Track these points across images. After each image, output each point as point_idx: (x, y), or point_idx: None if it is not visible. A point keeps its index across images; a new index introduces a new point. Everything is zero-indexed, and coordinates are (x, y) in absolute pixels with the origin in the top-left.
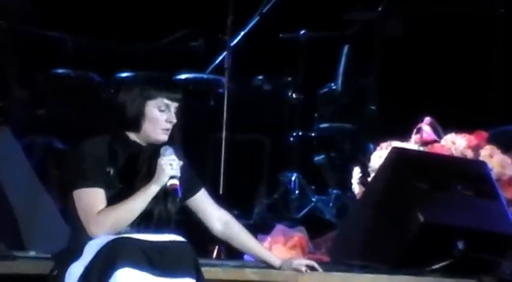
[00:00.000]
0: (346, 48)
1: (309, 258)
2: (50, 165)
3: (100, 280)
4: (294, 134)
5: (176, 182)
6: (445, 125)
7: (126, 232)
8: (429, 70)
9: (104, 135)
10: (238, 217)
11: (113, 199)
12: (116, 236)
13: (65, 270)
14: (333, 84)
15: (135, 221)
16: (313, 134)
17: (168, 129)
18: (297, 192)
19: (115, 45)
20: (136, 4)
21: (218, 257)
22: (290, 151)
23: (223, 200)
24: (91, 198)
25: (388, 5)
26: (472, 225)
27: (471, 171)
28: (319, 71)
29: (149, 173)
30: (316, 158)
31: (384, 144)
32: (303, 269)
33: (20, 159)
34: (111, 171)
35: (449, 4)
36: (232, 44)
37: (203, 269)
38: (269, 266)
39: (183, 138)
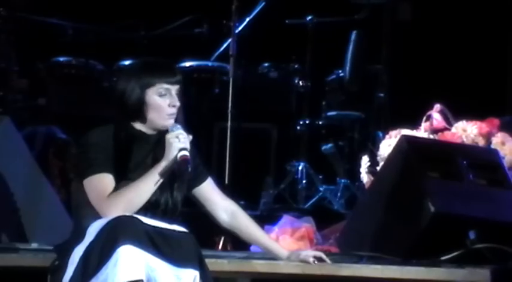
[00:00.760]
0: (354, 34)
1: (317, 250)
2: (51, 155)
3: (101, 257)
4: (301, 122)
5: (186, 153)
6: (455, 112)
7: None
8: (439, 56)
9: (108, 125)
10: (244, 208)
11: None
12: (120, 215)
13: (68, 258)
14: (340, 71)
15: (141, 209)
16: (320, 123)
17: (173, 114)
18: (304, 181)
19: (117, 32)
20: None
21: (224, 248)
22: (297, 140)
23: (228, 190)
24: (101, 183)
25: None
26: (484, 215)
27: (483, 160)
28: (327, 58)
29: (156, 159)
30: (324, 147)
31: (393, 133)
32: (311, 260)
33: (21, 149)
34: (117, 161)
35: None
36: (237, 31)
37: (208, 260)
38: (276, 257)
39: (187, 127)
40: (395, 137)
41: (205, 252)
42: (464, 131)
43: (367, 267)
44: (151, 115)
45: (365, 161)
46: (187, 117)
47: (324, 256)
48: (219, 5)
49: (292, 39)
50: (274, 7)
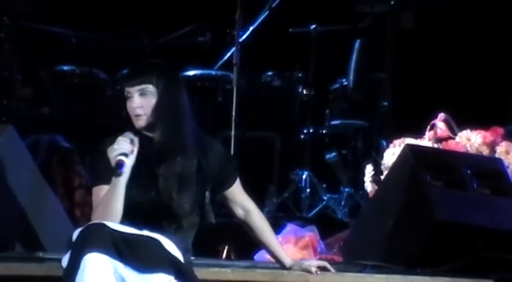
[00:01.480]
0: (358, 43)
1: (321, 259)
2: (55, 163)
3: (73, 266)
4: (305, 130)
5: (122, 158)
6: (459, 121)
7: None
8: (443, 65)
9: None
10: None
11: (128, 195)
12: (89, 223)
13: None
14: (344, 80)
15: (125, 214)
16: (324, 131)
17: (138, 115)
18: (308, 190)
19: (120, 41)
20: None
21: (227, 257)
22: (301, 148)
23: None
24: (95, 197)
25: None
26: (488, 224)
27: (487, 169)
28: (330, 66)
29: (144, 164)
30: (327, 156)
31: (397, 141)
32: (313, 270)
33: (25, 158)
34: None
35: None
36: (241, 39)
37: (212, 269)
38: (279, 264)
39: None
40: (399, 145)
41: (209, 261)
42: (469, 140)
43: (371, 277)
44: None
45: (369, 169)
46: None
47: (327, 265)
48: (222, 13)
49: (295, 47)
50: (277, 16)
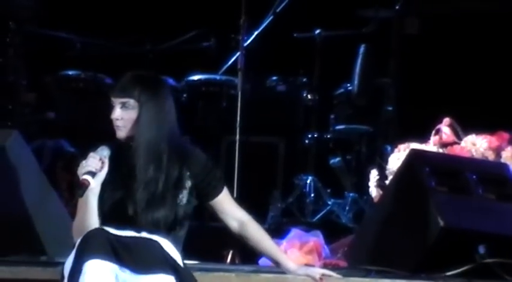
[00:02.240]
0: (362, 47)
1: (325, 264)
2: (60, 168)
3: (74, 273)
4: (309, 135)
5: (87, 177)
6: (464, 126)
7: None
8: (448, 70)
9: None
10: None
11: (106, 202)
12: (92, 228)
13: (62, 272)
14: (349, 85)
15: (110, 220)
16: (328, 136)
17: (118, 126)
18: (312, 195)
19: (124, 46)
20: (147, 4)
21: (232, 262)
22: (305, 153)
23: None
24: (77, 210)
25: (406, 3)
26: (493, 230)
27: (492, 174)
28: (335, 71)
29: (124, 173)
30: (332, 161)
31: (401, 146)
32: (317, 277)
33: (31, 162)
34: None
35: (469, 2)
36: (245, 44)
37: (217, 274)
38: (283, 269)
39: (195, 140)
40: (404, 150)
41: (213, 265)
42: (474, 145)
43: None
44: None
45: (374, 174)
46: (195, 130)
47: (332, 274)
48: (226, 18)
49: (300, 52)
50: (282, 21)
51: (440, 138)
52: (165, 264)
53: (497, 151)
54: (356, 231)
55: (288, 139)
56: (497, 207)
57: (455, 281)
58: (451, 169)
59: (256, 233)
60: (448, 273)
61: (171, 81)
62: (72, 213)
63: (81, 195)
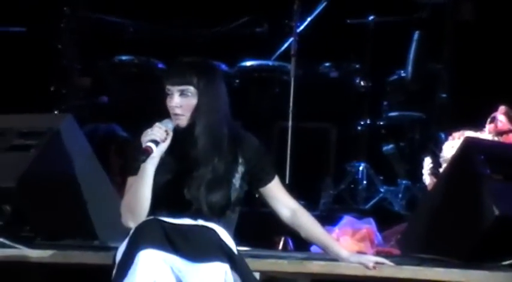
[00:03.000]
0: (416, 34)
1: (378, 251)
2: (112, 152)
3: (126, 262)
4: (362, 122)
5: (151, 145)
6: None
7: (160, 216)
8: (503, 57)
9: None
10: (304, 208)
11: (159, 185)
12: (145, 219)
13: (114, 258)
14: (402, 71)
15: (163, 205)
16: (381, 123)
17: (177, 114)
18: (364, 182)
19: (178, 31)
20: None
21: (284, 248)
22: (357, 140)
23: (289, 190)
24: (128, 186)
25: None
26: None
27: None
28: (388, 58)
29: (179, 159)
30: (384, 148)
31: (456, 134)
32: (371, 265)
33: (84, 146)
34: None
35: None
36: (298, 30)
37: (268, 260)
38: (336, 257)
39: (247, 126)
40: (459, 138)
41: (265, 252)
42: None
43: (429, 270)
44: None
45: (427, 162)
46: (248, 116)
47: (386, 262)
48: (280, 4)
49: (353, 38)
50: (335, 7)
51: (496, 126)
52: (221, 252)
53: None
54: (409, 219)
55: (340, 125)
56: None
57: (510, 270)
58: (507, 157)
59: (308, 221)
60: (504, 263)
61: (223, 66)
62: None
63: (144, 161)
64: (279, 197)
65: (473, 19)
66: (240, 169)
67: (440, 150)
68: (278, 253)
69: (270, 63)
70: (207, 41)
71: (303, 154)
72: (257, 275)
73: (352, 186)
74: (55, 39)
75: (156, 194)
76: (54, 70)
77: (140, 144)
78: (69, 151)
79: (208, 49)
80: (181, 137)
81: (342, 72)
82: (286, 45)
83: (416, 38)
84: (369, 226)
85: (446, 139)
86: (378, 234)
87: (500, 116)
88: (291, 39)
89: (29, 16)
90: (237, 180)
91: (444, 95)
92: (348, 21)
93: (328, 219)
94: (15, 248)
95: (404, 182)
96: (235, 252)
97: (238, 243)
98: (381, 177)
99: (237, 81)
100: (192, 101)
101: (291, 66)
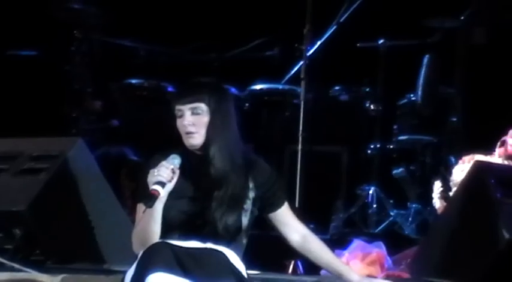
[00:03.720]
0: (427, 58)
1: (388, 275)
2: (123, 176)
3: None
4: (372, 146)
5: (157, 188)
6: None
7: (171, 239)
8: None
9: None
10: (314, 231)
11: (173, 209)
12: (155, 242)
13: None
14: (412, 95)
15: (174, 229)
16: (392, 146)
17: (190, 133)
18: (375, 206)
19: (189, 55)
20: (211, 12)
21: (294, 272)
22: (368, 163)
23: (299, 213)
24: (138, 214)
25: (473, 13)
26: None
27: None
28: (399, 81)
29: (193, 182)
30: (395, 171)
31: (466, 158)
32: None
33: (94, 170)
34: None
35: None
36: (308, 54)
37: None
38: (346, 281)
39: (258, 149)
40: (469, 162)
41: (275, 275)
42: None
43: None
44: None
45: (437, 186)
46: (258, 140)
47: None
48: (291, 28)
49: (363, 62)
50: (345, 30)
51: (506, 150)
52: (231, 275)
53: None
54: (420, 242)
55: (351, 149)
56: None
57: None
58: None
59: (317, 247)
60: None
61: (233, 90)
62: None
63: (151, 206)
64: (289, 222)
65: (486, 43)
66: (251, 194)
67: (451, 173)
68: (288, 277)
69: (280, 86)
70: (218, 65)
71: (313, 177)
72: None
73: (363, 209)
74: (66, 62)
75: (170, 218)
76: (65, 93)
77: (148, 173)
78: (79, 175)
79: (219, 73)
80: (195, 158)
81: (352, 95)
82: (296, 68)
83: (426, 62)
84: (379, 250)
85: (456, 163)
86: (388, 258)
87: (510, 139)
88: (301, 62)
89: (40, 39)
90: (248, 205)
91: (455, 119)
92: (358, 44)
93: (338, 243)
94: (26, 271)
95: (414, 205)
96: (245, 275)
97: (248, 267)
98: (391, 201)
99: (248, 104)
100: (205, 118)
101: (301, 90)
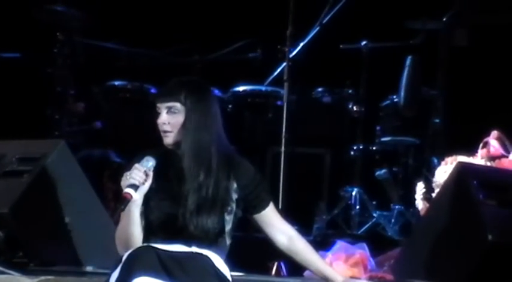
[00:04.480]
0: (409, 59)
1: (371, 276)
2: (106, 178)
3: None
4: (355, 147)
5: (129, 191)
6: None
7: (154, 242)
8: (496, 82)
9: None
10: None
11: (153, 210)
12: (139, 246)
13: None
14: (395, 97)
15: (158, 231)
16: (375, 148)
17: (165, 131)
18: (358, 207)
19: (171, 57)
20: (194, 14)
21: (277, 274)
22: (351, 165)
23: (282, 215)
24: (119, 217)
25: (455, 14)
26: None
27: None
28: (381, 83)
29: (173, 182)
30: (378, 173)
31: (449, 159)
32: None
33: (77, 173)
34: (153, 183)
35: None
36: (291, 55)
37: None
38: None
39: (241, 151)
40: (451, 163)
41: (259, 277)
42: None
43: None
44: None
45: (420, 187)
46: (241, 141)
47: None
48: (273, 29)
49: (346, 64)
50: (328, 32)
51: (488, 151)
52: (216, 279)
53: None
54: (402, 244)
55: (333, 150)
56: None
57: None
58: (500, 182)
59: (303, 248)
60: None
61: (217, 92)
62: (117, 223)
63: (123, 209)
64: (275, 223)
65: (467, 45)
66: (234, 196)
67: (433, 175)
68: (271, 278)
69: (263, 88)
70: (200, 67)
71: (296, 179)
72: None
73: (346, 211)
74: (49, 64)
75: (151, 220)
76: (48, 96)
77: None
78: (62, 177)
79: (202, 74)
80: (172, 157)
81: (335, 97)
82: (279, 70)
83: (409, 63)
84: (362, 251)
85: (439, 164)
86: (371, 259)
87: (493, 141)
88: (284, 64)
89: (22, 42)
90: (230, 207)
91: (437, 120)
92: (341, 46)
93: (321, 245)
94: (8, 274)
95: (397, 207)
96: (230, 279)
97: (231, 269)
98: (374, 202)
99: (231, 106)
100: (179, 118)
101: (284, 91)
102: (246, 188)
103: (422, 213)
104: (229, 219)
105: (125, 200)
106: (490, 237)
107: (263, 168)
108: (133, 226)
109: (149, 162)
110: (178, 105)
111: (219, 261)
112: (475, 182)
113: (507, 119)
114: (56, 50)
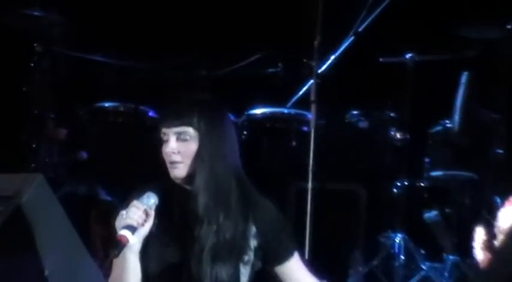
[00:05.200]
0: (465, 76)
1: None
2: (93, 220)
3: None
4: (399, 183)
5: (125, 234)
6: None
7: None
8: None
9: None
10: None
11: (153, 259)
12: None
13: None
14: (448, 121)
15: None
16: (422, 184)
17: (173, 162)
18: (402, 257)
19: (173, 72)
20: (200, 21)
21: None
22: (393, 205)
23: (308, 266)
24: (114, 267)
25: None
26: None
27: None
28: (431, 105)
29: (178, 224)
30: (427, 215)
31: None
32: None
33: (59, 214)
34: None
35: None
36: (320, 71)
37: None
38: None
39: (257, 187)
40: None
41: None
42: None
43: None
44: None
45: (480, 233)
46: (258, 175)
47: None
48: (297, 40)
49: (387, 81)
50: (365, 42)
51: None
52: None
53: None
54: None
55: (371, 187)
56: None
57: None
58: None
59: None
60: None
61: (229, 115)
62: (108, 275)
63: (117, 255)
64: (300, 278)
65: None
66: (253, 243)
67: (496, 218)
68: None
69: (286, 110)
70: (208, 85)
71: (325, 222)
72: None
73: (387, 261)
74: (24, 82)
75: (151, 270)
76: (23, 119)
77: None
78: (39, 220)
79: (211, 93)
80: (181, 193)
81: (373, 121)
82: (304, 89)
83: (464, 81)
84: None
85: (502, 204)
86: None
87: None
88: (311, 81)
89: None
90: (249, 256)
91: (500, 151)
92: (381, 59)
93: None
94: None
95: (451, 257)
96: None
97: None
98: (423, 251)
99: (246, 132)
100: (192, 145)
101: (311, 115)
102: (267, 234)
103: (482, 265)
104: (245, 271)
105: (119, 244)
106: None
107: (284, 208)
108: (128, 277)
109: (150, 200)
110: (190, 130)
111: None
112: None
113: None
114: (32, 64)
